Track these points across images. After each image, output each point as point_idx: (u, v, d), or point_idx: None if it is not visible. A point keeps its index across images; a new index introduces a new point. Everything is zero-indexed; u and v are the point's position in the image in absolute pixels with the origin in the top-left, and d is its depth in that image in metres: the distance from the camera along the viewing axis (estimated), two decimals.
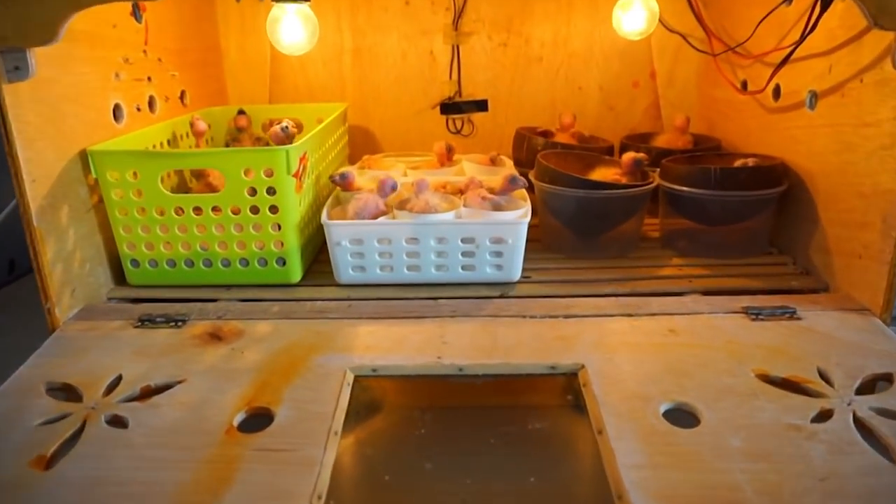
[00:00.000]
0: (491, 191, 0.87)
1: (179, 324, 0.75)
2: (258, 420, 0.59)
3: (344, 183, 0.89)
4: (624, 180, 0.94)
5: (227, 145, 1.17)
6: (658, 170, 0.96)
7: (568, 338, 0.70)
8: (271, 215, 0.82)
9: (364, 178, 0.93)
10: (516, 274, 0.84)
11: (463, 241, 0.81)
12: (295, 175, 0.82)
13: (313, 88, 1.32)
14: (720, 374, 0.63)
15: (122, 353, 0.69)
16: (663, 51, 1.27)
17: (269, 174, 0.80)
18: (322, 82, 1.31)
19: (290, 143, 0.91)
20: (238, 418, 0.59)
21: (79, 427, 0.58)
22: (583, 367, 0.65)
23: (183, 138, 1.04)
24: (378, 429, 0.60)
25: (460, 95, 1.31)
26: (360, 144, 1.31)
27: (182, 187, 1.00)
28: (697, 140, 1.15)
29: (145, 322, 0.75)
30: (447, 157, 1.08)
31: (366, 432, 0.60)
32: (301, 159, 0.83)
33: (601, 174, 0.97)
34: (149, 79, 0.98)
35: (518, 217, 0.82)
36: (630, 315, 0.75)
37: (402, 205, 0.85)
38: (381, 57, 1.30)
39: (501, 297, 0.81)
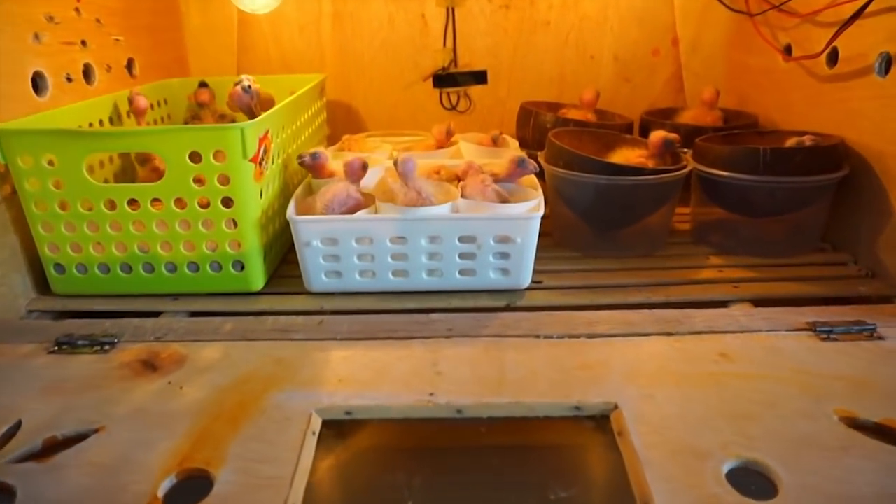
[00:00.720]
0: (494, 176, 0.73)
1: (106, 347, 0.60)
2: (192, 488, 0.45)
3: (315, 165, 0.74)
4: (650, 163, 0.79)
5: (186, 124, 1.01)
6: (689, 151, 0.82)
7: (594, 366, 0.56)
8: (225, 209, 0.67)
9: (341, 161, 0.77)
10: (526, 279, 0.69)
11: (461, 240, 0.66)
12: (254, 159, 0.66)
13: (288, 58, 1.16)
14: (794, 417, 0.49)
15: (28, 390, 0.54)
16: (687, 13, 1.11)
17: (221, 158, 0.64)
18: (298, 51, 1.16)
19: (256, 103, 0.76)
20: (165, 486, 0.44)
21: None
22: (616, 407, 0.51)
23: (130, 115, 0.88)
24: (351, 501, 0.46)
25: (456, 66, 1.16)
26: (341, 122, 1.16)
27: (129, 175, 0.85)
28: (728, 116, 1.01)
29: (63, 346, 0.60)
30: (447, 141, 0.93)
31: None
32: (262, 140, 0.68)
33: (623, 156, 0.82)
34: (83, 43, 0.82)
35: (528, 210, 0.67)
36: (669, 334, 0.60)
37: (386, 195, 0.70)
38: (364, 21, 1.14)
39: (508, 308, 0.67)
